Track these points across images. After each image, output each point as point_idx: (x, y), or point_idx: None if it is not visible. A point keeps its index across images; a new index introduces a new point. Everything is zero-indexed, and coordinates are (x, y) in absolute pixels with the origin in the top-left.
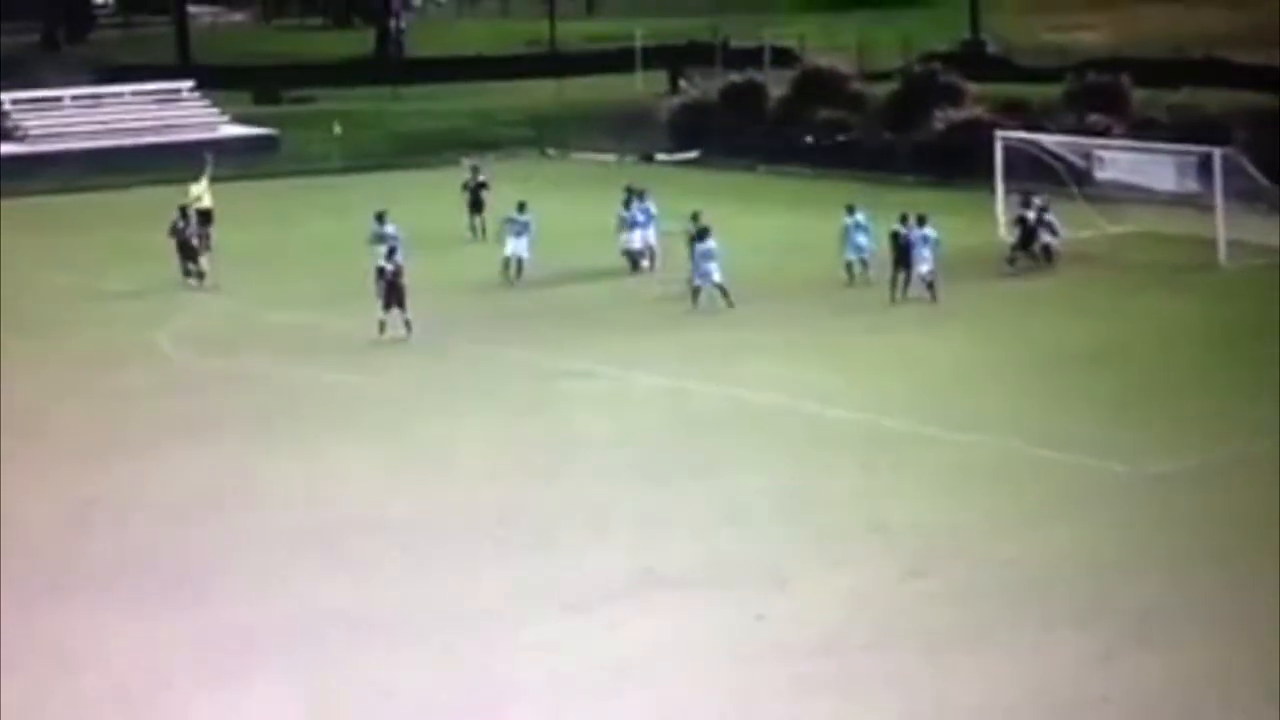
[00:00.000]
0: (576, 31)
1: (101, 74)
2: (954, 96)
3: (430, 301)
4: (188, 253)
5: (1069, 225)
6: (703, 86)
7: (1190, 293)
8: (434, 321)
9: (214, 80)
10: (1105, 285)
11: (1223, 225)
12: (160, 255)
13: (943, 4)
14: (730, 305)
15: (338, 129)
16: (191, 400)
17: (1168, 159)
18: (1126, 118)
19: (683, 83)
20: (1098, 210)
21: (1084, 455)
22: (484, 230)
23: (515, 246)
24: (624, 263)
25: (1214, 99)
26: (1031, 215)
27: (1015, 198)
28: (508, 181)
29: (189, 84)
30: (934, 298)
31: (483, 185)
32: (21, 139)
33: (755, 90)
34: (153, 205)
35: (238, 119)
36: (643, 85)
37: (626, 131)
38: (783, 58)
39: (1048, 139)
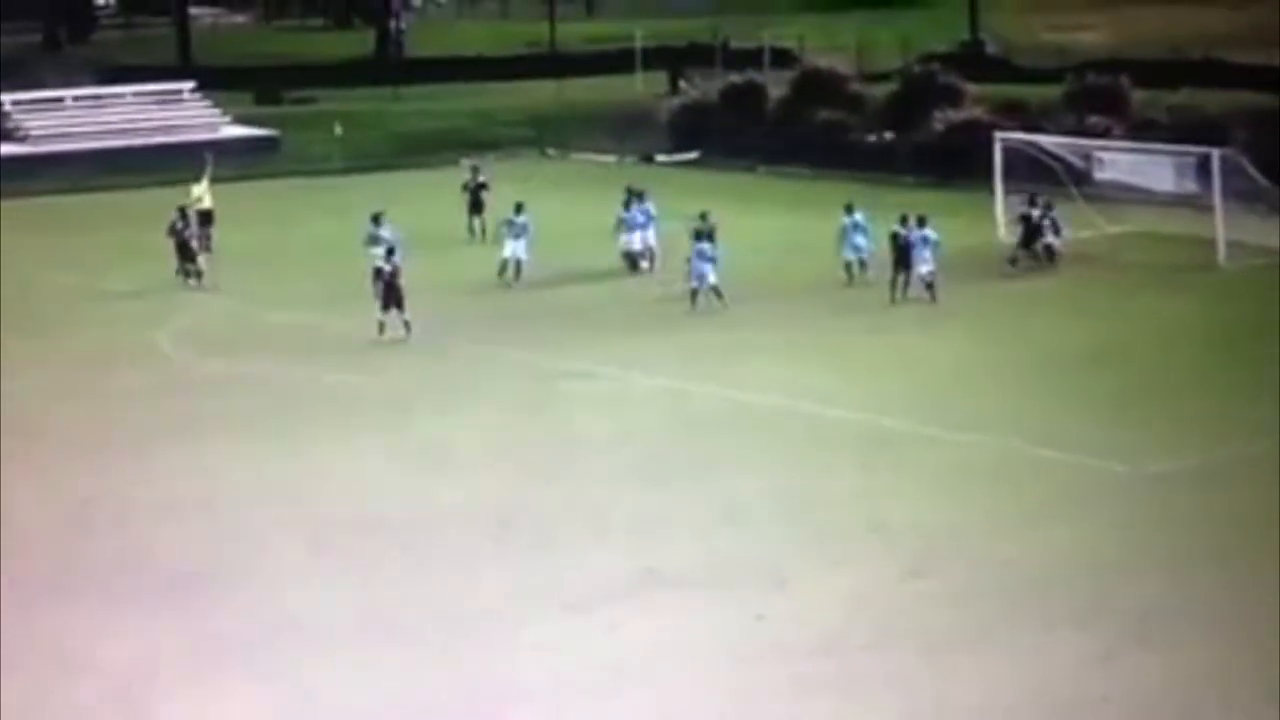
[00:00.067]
0: (576, 32)
1: (103, 75)
2: (953, 97)
3: (430, 302)
4: (185, 253)
5: (1068, 226)
6: (702, 87)
7: (1190, 293)
8: (434, 322)
9: (215, 81)
10: (1105, 285)
11: (1222, 226)
12: (161, 256)
13: (942, 5)
14: (724, 305)
15: (338, 130)
16: (191, 400)
17: (1167, 159)
18: (1126, 118)
19: (682, 83)
20: (1097, 211)
21: (1084, 455)
22: (484, 231)
23: (513, 248)
24: (624, 263)
25: (1213, 99)
26: (1035, 213)
27: (1016, 198)
28: (508, 182)
29: (190, 85)
30: (933, 298)
31: (483, 186)
32: (23, 139)
33: (755, 91)
34: (154, 206)
35: (239, 120)
36: (643, 86)
37: (626, 132)
38: (782, 58)
39: (1047, 140)
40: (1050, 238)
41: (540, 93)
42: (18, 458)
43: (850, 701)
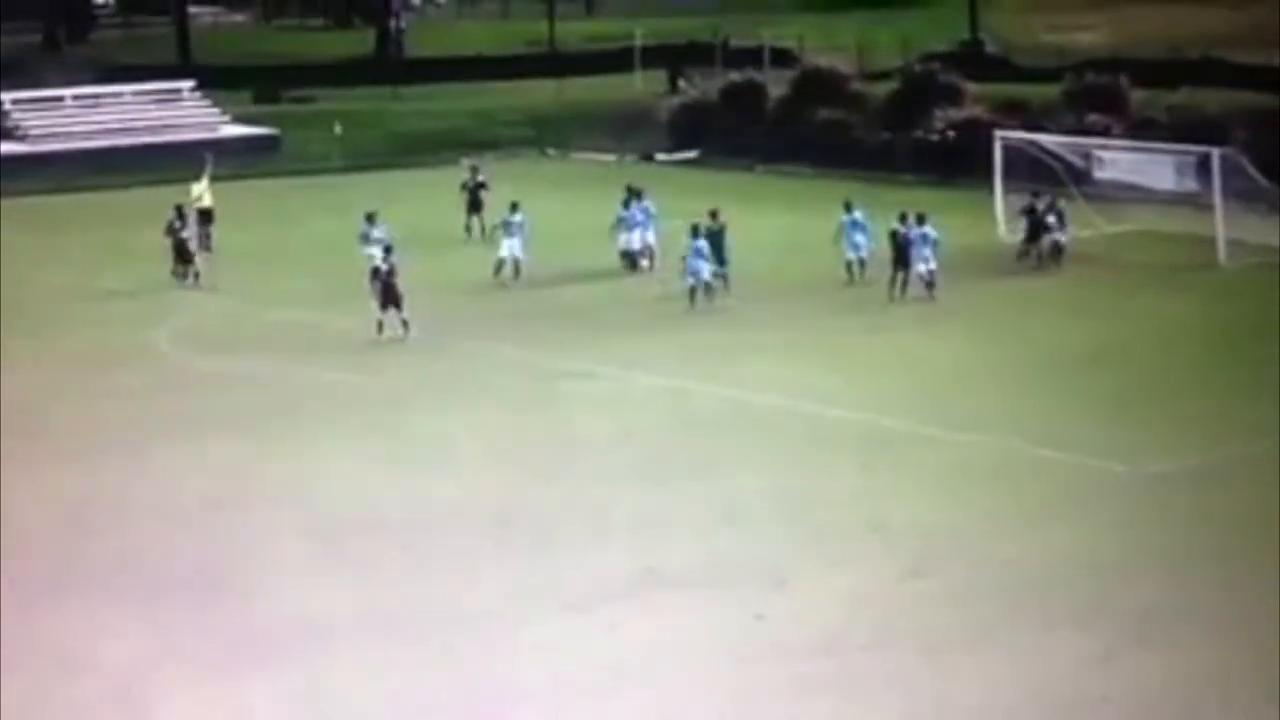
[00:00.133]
0: (576, 31)
1: (102, 74)
2: (953, 96)
3: (430, 301)
4: (182, 254)
5: (1071, 223)
6: (702, 86)
7: (1190, 292)
8: (433, 321)
9: (214, 80)
10: (1105, 285)
11: (1222, 225)
12: (160, 255)
13: (941, 4)
14: (728, 295)
15: (338, 129)
16: (190, 399)
17: (1167, 159)
18: (1125, 118)
19: (682, 83)
20: (1097, 210)
21: (1084, 455)
22: (483, 230)
23: (509, 247)
24: (623, 262)
25: (1213, 99)
26: (1040, 205)
27: (1016, 197)
28: (508, 181)
29: (190, 84)
30: (932, 296)
31: (481, 185)
32: (22, 139)
33: (755, 90)
34: (153, 205)
35: (238, 118)
36: (642, 85)
37: (626, 131)
38: (782, 58)
39: (1047, 139)
40: (1058, 234)
41: (540, 92)
42: (16, 457)
43: (850, 701)
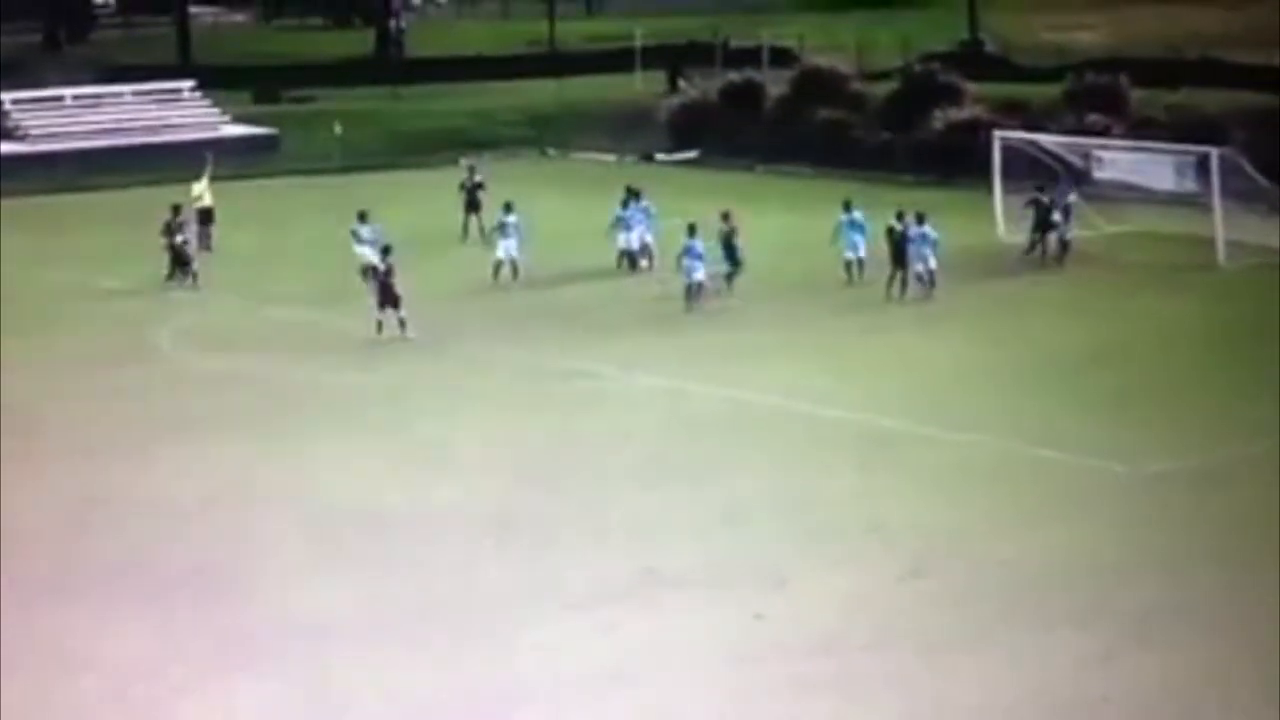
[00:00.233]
0: (576, 31)
1: (102, 74)
2: (953, 96)
3: (429, 301)
4: (178, 258)
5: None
6: (702, 86)
7: (1189, 292)
8: (433, 321)
9: (214, 80)
10: (1104, 285)
11: (1221, 225)
12: (160, 255)
13: (941, 4)
14: (711, 300)
15: (338, 129)
16: (190, 399)
17: (1166, 159)
18: (1125, 118)
19: (682, 82)
20: (1096, 210)
21: (1084, 455)
22: (482, 231)
23: (505, 248)
24: (622, 262)
25: (1212, 99)
26: (1046, 199)
27: (1016, 197)
28: (507, 182)
29: (190, 84)
30: (931, 295)
31: (479, 185)
32: (22, 138)
33: (754, 90)
34: (153, 205)
35: (238, 118)
36: (642, 85)
37: (626, 131)
38: (782, 57)
39: (1046, 139)
40: (1065, 230)
41: (540, 92)
42: (16, 456)
43: (850, 701)
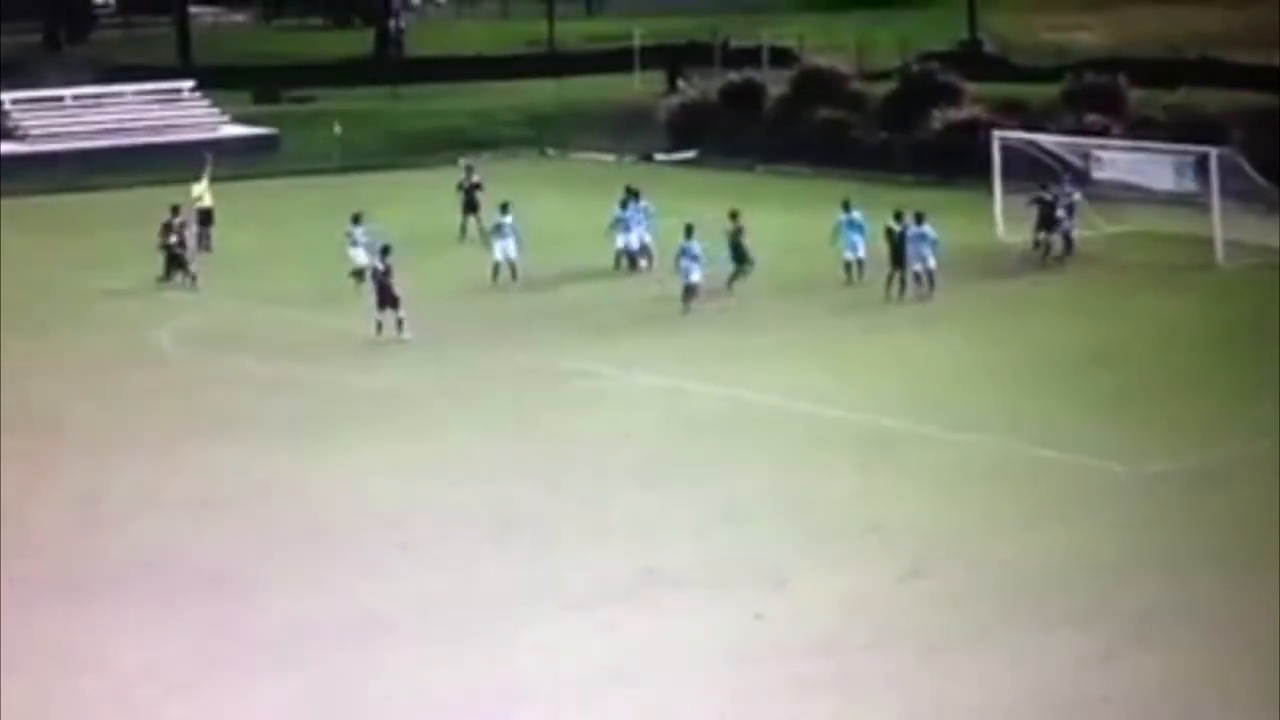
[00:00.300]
0: (576, 31)
1: (102, 74)
2: (952, 96)
3: (429, 301)
4: (176, 261)
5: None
6: (701, 86)
7: (1188, 292)
8: (432, 321)
9: (214, 80)
10: (1104, 285)
11: (1220, 225)
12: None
13: (941, 4)
14: (691, 307)
15: (338, 129)
16: (190, 400)
17: (1165, 159)
18: (1124, 118)
19: (681, 82)
20: (1096, 210)
21: (1083, 455)
22: (480, 231)
23: (502, 250)
24: (623, 262)
25: (1211, 99)
26: (1049, 196)
27: (1015, 196)
28: (507, 182)
29: (190, 84)
30: (931, 295)
31: (477, 186)
32: (22, 139)
33: (754, 90)
34: (154, 205)
35: (238, 118)
36: (641, 85)
37: (625, 131)
38: (781, 57)
39: (1046, 139)
40: (1069, 226)
41: (540, 92)
42: (18, 457)
43: (850, 701)
